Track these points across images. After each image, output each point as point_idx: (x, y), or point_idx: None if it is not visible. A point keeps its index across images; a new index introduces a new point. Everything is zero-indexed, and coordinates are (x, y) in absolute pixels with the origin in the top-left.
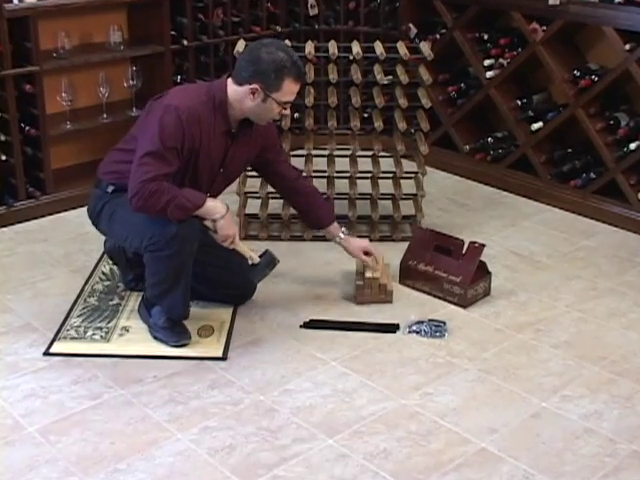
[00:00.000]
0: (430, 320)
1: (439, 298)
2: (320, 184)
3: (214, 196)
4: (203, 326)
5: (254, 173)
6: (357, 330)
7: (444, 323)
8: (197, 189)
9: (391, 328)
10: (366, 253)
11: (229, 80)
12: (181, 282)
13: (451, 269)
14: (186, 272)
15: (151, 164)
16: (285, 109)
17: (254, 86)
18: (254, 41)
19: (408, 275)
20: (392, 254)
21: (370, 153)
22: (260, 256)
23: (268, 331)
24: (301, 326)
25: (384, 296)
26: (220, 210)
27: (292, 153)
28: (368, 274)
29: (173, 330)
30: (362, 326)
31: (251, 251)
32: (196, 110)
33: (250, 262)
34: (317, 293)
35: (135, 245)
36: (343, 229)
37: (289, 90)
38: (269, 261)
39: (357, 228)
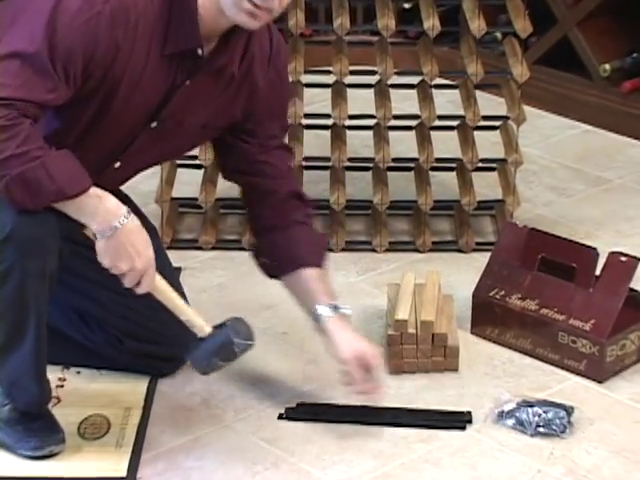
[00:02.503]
0: (539, 402)
1: (550, 362)
2: (317, 144)
3: (121, 180)
4: (90, 417)
5: None
6: (389, 424)
7: (565, 409)
8: (93, 158)
9: (456, 420)
10: (361, 363)
11: None
12: (27, 334)
13: (574, 306)
14: (36, 313)
15: (14, 75)
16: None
17: None
18: None
19: (488, 317)
20: (457, 276)
21: (414, 80)
22: (217, 326)
23: (218, 425)
24: (282, 416)
25: (442, 358)
26: (112, 215)
27: None
28: (402, 315)
29: (26, 427)
30: (399, 416)
31: (194, 314)
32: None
33: (195, 332)
34: (313, 353)
35: None
36: (335, 304)
37: None
38: (226, 342)
39: (392, 227)
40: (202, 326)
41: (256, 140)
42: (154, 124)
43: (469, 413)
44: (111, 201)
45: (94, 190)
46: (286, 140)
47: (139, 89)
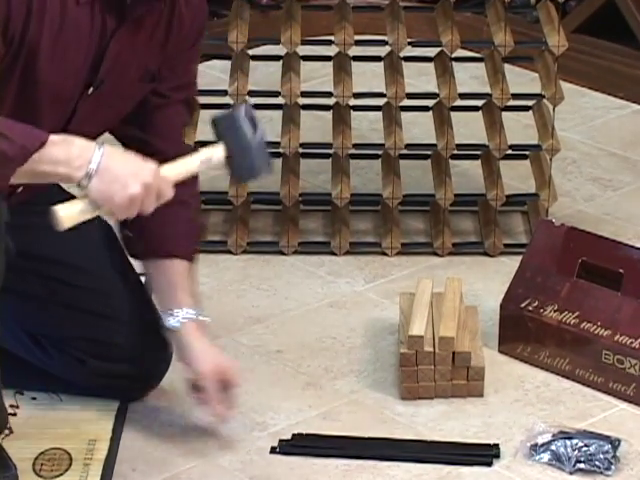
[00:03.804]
0: (579, 434)
1: (592, 386)
2: (317, 127)
3: None
4: (48, 452)
5: None
6: (402, 459)
7: (610, 442)
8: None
9: (481, 455)
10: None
11: None
12: None
13: (621, 319)
14: None
15: None
16: None
17: None
18: None
19: (519, 332)
20: (482, 284)
21: (432, 52)
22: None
23: (199, 461)
24: (275, 449)
25: (464, 381)
26: (87, 149)
27: (252, 52)
28: (417, 330)
29: None
30: (413, 450)
31: (206, 153)
32: None
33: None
34: (311, 374)
35: None
36: (197, 308)
37: None
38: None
39: (405, 225)
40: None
41: (162, 86)
42: (91, 90)
43: (496, 446)
44: (79, 139)
45: (56, 137)
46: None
47: (60, 46)
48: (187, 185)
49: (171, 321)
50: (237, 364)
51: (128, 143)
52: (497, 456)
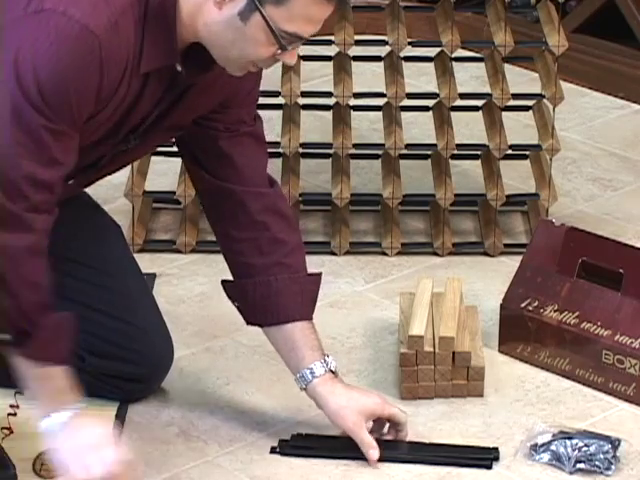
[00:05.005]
0: (579, 434)
1: (593, 386)
2: (317, 127)
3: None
4: (48, 452)
5: None
6: (402, 461)
7: (610, 442)
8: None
9: (481, 457)
10: (375, 420)
11: None
12: None
13: (621, 319)
14: None
15: (27, 151)
16: (285, 51)
17: None
18: None
19: (519, 332)
20: (482, 284)
21: (432, 52)
22: None
23: (199, 461)
24: (275, 450)
25: (464, 381)
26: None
27: None
28: (417, 330)
29: None
30: (412, 451)
31: None
32: (121, 31)
33: None
34: None
35: None
36: (327, 358)
37: (307, 8)
38: None
39: (405, 225)
40: None
41: (222, 124)
42: (130, 143)
43: (496, 449)
44: (69, 392)
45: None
46: (258, 127)
47: (116, 114)
48: (281, 243)
49: (302, 384)
50: (382, 400)
51: (213, 201)
52: (496, 459)
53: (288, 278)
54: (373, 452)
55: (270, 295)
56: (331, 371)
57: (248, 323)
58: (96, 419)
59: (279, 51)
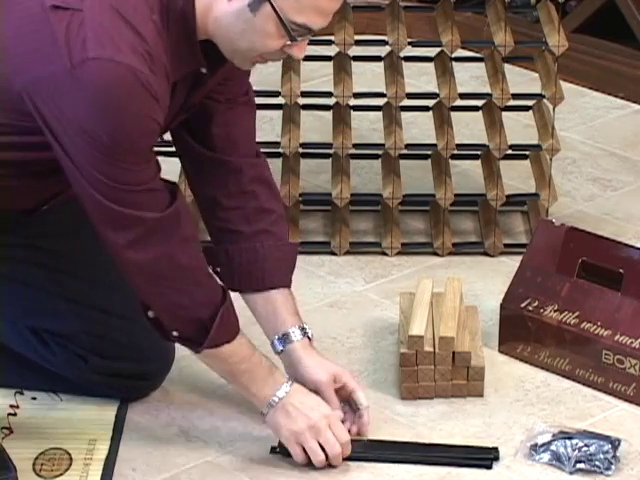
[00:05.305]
0: (579, 434)
1: (593, 386)
2: (317, 127)
3: None
4: (48, 452)
5: None
6: (400, 461)
7: (610, 442)
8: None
9: (481, 457)
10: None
11: None
12: None
13: (621, 319)
14: None
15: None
16: (294, 43)
17: None
18: None
19: (519, 332)
20: (482, 284)
21: (432, 52)
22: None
23: (199, 461)
24: (275, 450)
25: (464, 381)
26: (277, 385)
27: None
28: (417, 330)
29: None
30: (412, 451)
31: None
32: (158, 56)
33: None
34: None
35: None
36: (303, 326)
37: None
38: None
39: (405, 225)
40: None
41: (222, 96)
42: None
43: (496, 449)
44: (279, 372)
45: (264, 360)
46: (251, 95)
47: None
48: (267, 212)
49: (280, 346)
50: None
51: (203, 167)
52: (496, 458)
53: (274, 245)
54: (338, 412)
55: (257, 261)
56: (308, 338)
57: (229, 288)
58: (303, 388)
59: (288, 43)
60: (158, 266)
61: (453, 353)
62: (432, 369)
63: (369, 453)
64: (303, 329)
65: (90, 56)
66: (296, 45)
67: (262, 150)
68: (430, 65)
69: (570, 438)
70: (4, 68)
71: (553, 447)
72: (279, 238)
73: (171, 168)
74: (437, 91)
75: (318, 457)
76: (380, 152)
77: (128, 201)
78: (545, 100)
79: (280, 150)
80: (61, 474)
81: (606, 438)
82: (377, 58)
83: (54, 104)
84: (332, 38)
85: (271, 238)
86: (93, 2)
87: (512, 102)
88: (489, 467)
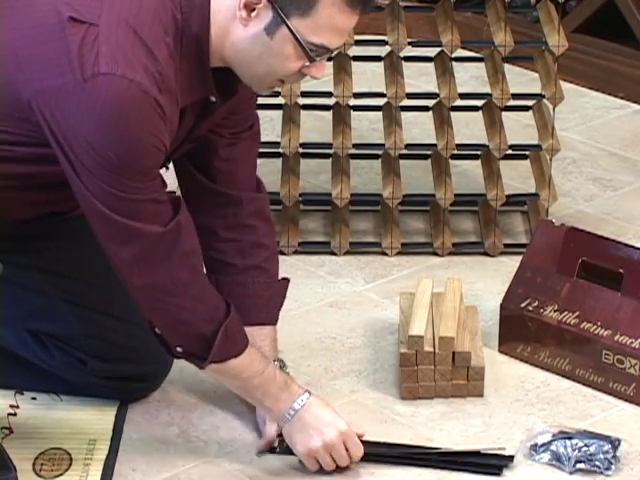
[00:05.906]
0: (579, 434)
1: (593, 386)
2: (317, 127)
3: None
4: (48, 452)
5: None
6: (404, 462)
7: (610, 442)
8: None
9: (490, 464)
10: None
11: None
12: None
13: (621, 319)
14: None
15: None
16: (312, 63)
17: None
18: None
19: (519, 332)
20: (482, 284)
21: (432, 52)
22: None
23: (199, 461)
24: (274, 449)
25: (464, 381)
26: (294, 396)
27: None
28: (417, 330)
29: None
30: (415, 455)
31: None
32: (168, 78)
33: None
34: (311, 374)
35: None
36: (279, 363)
37: (332, 19)
38: None
39: (405, 225)
40: None
41: (227, 130)
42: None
43: (511, 457)
44: (295, 385)
45: (278, 373)
46: (256, 127)
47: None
48: (263, 248)
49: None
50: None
51: (203, 199)
52: (510, 460)
53: (264, 282)
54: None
55: (245, 296)
56: (287, 371)
57: None
58: (320, 400)
59: (307, 64)
60: (159, 282)
61: (453, 353)
62: (432, 369)
63: (369, 452)
64: (281, 361)
65: (102, 71)
66: (314, 65)
67: (262, 150)
68: (430, 65)
69: (570, 438)
70: (19, 76)
71: (553, 447)
72: (270, 275)
73: (172, 172)
74: (437, 91)
75: (330, 468)
76: (380, 152)
77: (132, 212)
78: (545, 100)
79: (280, 150)
80: (61, 474)
81: (606, 438)
82: (377, 58)
83: (62, 115)
84: None
85: (262, 275)
86: (110, 17)
87: (512, 102)
88: (498, 472)
